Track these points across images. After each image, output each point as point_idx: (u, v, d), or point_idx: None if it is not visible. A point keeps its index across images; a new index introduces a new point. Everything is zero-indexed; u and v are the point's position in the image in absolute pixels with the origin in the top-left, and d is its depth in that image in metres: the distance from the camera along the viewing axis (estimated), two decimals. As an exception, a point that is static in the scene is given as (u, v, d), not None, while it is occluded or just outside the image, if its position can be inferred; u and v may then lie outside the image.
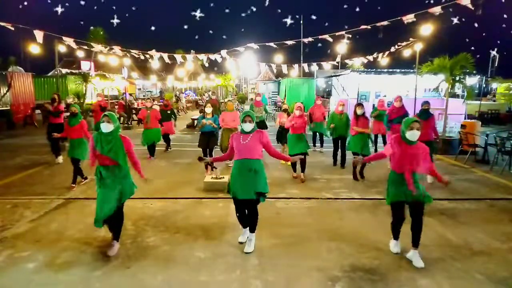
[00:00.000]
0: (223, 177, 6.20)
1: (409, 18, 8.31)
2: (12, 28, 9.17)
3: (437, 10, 7.69)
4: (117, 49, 12.26)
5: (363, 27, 9.23)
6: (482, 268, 3.65)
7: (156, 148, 9.15)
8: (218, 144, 7.88)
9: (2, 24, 8.95)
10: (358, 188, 6.38)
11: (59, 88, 15.97)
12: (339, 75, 20.09)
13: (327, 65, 15.14)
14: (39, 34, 9.74)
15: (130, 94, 25.79)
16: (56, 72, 13.75)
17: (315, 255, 3.90)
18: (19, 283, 3.36)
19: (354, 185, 6.57)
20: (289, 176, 7.23)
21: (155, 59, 13.10)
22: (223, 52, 12.41)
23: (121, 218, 3.97)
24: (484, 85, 22.22)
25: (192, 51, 24.21)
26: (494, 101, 21.40)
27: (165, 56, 12.82)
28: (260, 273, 3.52)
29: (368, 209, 5.36)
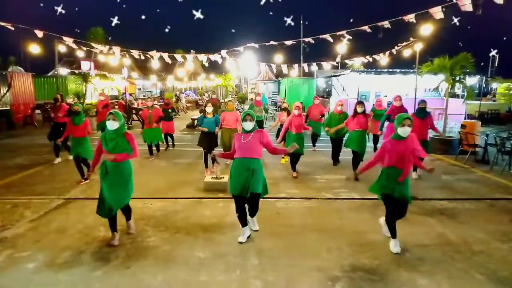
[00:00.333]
0: (223, 177, 6.20)
1: (409, 18, 8.30)
2: (12, 28, 9.17)
3: (437, 10, 7.68)
4: (117, 50, 12.24)
5: (363, 27, 9.23)
6: (482, 268, 3.65)
7: (156, 148, 9.21)
8: (219, 144, 7.89)
9: (2, 24, 8.95)
10: (358, 188, 6.38)
11: (59, 88, 15.99)
12: (339, 75, 20.10)
13: (327, 65, 15.11)
14: (39, 33, 9.76)
15: (130, 94, 25.79)
16: (56, 72, 13.74)
17: (315, 255, 3.90)
18: (19, 283, 3.36)
19: (354, 185, 6.57)
20: (289, 176, 7.23)
21: (155, 59, 13.08)
22: (223, 52, 12.40)
23: (129, 208, 4.33)
24: (484, 85, 22.23)
25: (192, 51, 24.21)
26: (494, 101, 21.40)
27: (165, 56, 12.82)
28: (260, 273, 3.52)
29: (368, 209, 5.36)
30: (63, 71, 22.30)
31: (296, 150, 6.83)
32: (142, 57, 13.35)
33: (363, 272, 3.55)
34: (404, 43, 12.45)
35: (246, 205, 4.25)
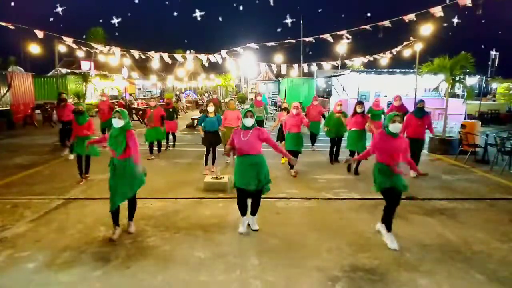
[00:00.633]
0: (223, 177, 6.20)
1: (409, 17, 8.31)
2: (12, 27, 9.17)
3: (437, 10, 7.68)
4: (117, 50, 12.24)
5: (363, 27, 9.23)
6: (482, 268, 3.65)
7: (156, 147, 9.25)
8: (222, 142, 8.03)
9: (2, 24, 8.95)
10: (358, 188, 6.38)
11: (59, 88, 15.98)
12: (339, 75, 20.11)
13: (327, 65, 15.12)
14: (39, 33, 9.76)
15: (130, 94, 25.79)
16: (56, 72, 13.74)
17: (315, 255, 3.90)
18: (19, 283, 3.36)
19: (354, 185, 6.57)
20: (289, 176, 7.24)
21: (156, 59, 13.09)
22: (223, 52, 12.41)
23: (135, 203, 4.47)
24: (484, 85, 22.23)
25: (192, 51, 24.20)
26: (494, 101, 21.40)
27: (165, 56, 12.82)
28: (260, 273, 3.52)
29: (368, 209, 5.36)
30: (63, 71, 22.29)
31: (294, 148, 7.04)
32: (143, 57, 13.35)
33: (363, 272, 3.55)
34: (404, 43, 12.45)
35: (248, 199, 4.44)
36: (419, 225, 4.79)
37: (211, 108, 7.39)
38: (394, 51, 12.91)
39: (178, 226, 4.66)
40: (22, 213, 5.08)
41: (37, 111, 16.11)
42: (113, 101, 20.49)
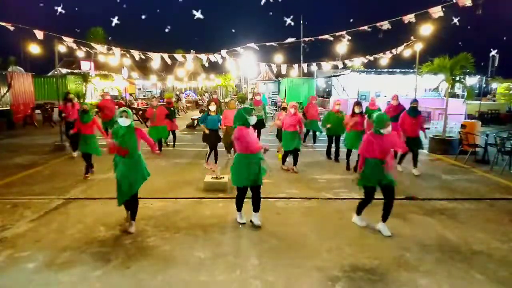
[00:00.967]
0: (223, 177, 6.20)
1: (409, 18, 8.30)
2: (12, 28, 9.16)
3: (437, 10, 7.68)
4: (117, 50, 12.22)
5: (363, 27, 9.22)
6: (482, 268, 3.65)
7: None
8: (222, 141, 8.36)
9: (2, 24, 8.94)
10: (358, 188, 6.36)
11: (59, 88, 15.95)
12: (339, 75, 20.12)
13: (327, 65, 15.12)
14: (39, 33, 9.76)
15: (130, 94, 25.80)
16: (56, 72, 13.72)
17: (315, 255, 3.90)
18: (19, 283, 3.36)
19: (354, 185, 6.55)
20: (289, 176, 7.24)
21: (156, 59, 13.07)
22: (223, 52, 12.39)
23: (136, 202, 4.58)
24: (484, 85, 22.24)
25: (192, 51, 24.19)
26: (494, 101, 21.39)
27: (165, 56, 12.80)
28: (260, 273, 3.52)
29: (367, 209, 5.34)
30: (63, 71, 22.29)
31: (293, 146, 7.28)
32: (143, 57, 13.34)
33: (363, 272, 3.55)
34: (405, 44, 12.44)
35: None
36: (419, 225, 4.79)
37: (213, 107, 7.78)
38: (394, 51, 12.89)
39: (178, 226, 4.66)
40: (22, 213, 5.08)
41: (37, 111, 16.11)
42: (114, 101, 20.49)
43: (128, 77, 26.18)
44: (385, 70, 18.07)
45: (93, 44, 12.73)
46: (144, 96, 32.55)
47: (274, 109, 20.59)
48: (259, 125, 9.73)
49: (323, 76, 24.17)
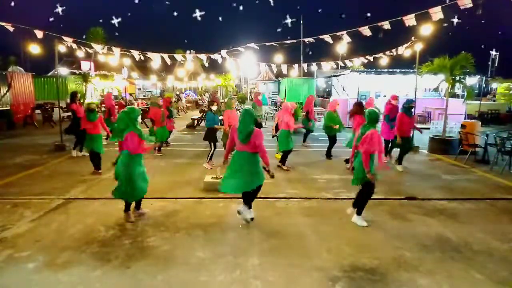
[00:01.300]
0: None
1: (409, 18, 8.30)
2: (12, 28, 9.16)
3: (437, 10, 7.67)
4: (117, 51, 12.21)
5: (363, 27, 9.21)
6: (482, 268, 3.65)
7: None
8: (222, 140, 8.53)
9: (2, 24, 8.94)
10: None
11: (59, 88, 15.95)
12: (339, 75, 20.10)
13: (327, 65, 15.12)
14: (39, 33, 9.76)
15: (130, 94, 25.80)
16: (56, 72, 13.72)
17: (315, 255, 3.90)
18: (19, 283, 3.36)
19: (354, 185, 6.55)
20: (289, 176, 7.25)
21: (156, 59, 13.07)
22: (223, 52, 12.39)
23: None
24: (484, 85, 22.23)
25: (192, 51, 24.19)
26: (494, 101, 21.39)
27: (165, 56, 12.80)
28: (260, 273, 3.52)
29: (368, 209, 5.34)
30: (63, 71, 22.28)
31: (284, 147, 7.63)
32: (142, 58, 13.34)
33: (363, 272, 3.55)
34: (405, 44, 12.43)
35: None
36: (419, 225, 4.79)
37: (215, 107, 8.15)
38: (394, 51, 12.88)
39: (178, 226, 4.65)
40: (22, 213, 5.08)
41: (37, 111, 16.11)
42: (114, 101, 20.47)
43: (128, 77, 26.17)
44: (385, 70, 18.04)
45: (93, 44, 12.74)
46: (144, 96, 32.54)
47: (274, 109, 20.58)
48: (258, 125, 9.80)
49: (323, 76, 24.14)
